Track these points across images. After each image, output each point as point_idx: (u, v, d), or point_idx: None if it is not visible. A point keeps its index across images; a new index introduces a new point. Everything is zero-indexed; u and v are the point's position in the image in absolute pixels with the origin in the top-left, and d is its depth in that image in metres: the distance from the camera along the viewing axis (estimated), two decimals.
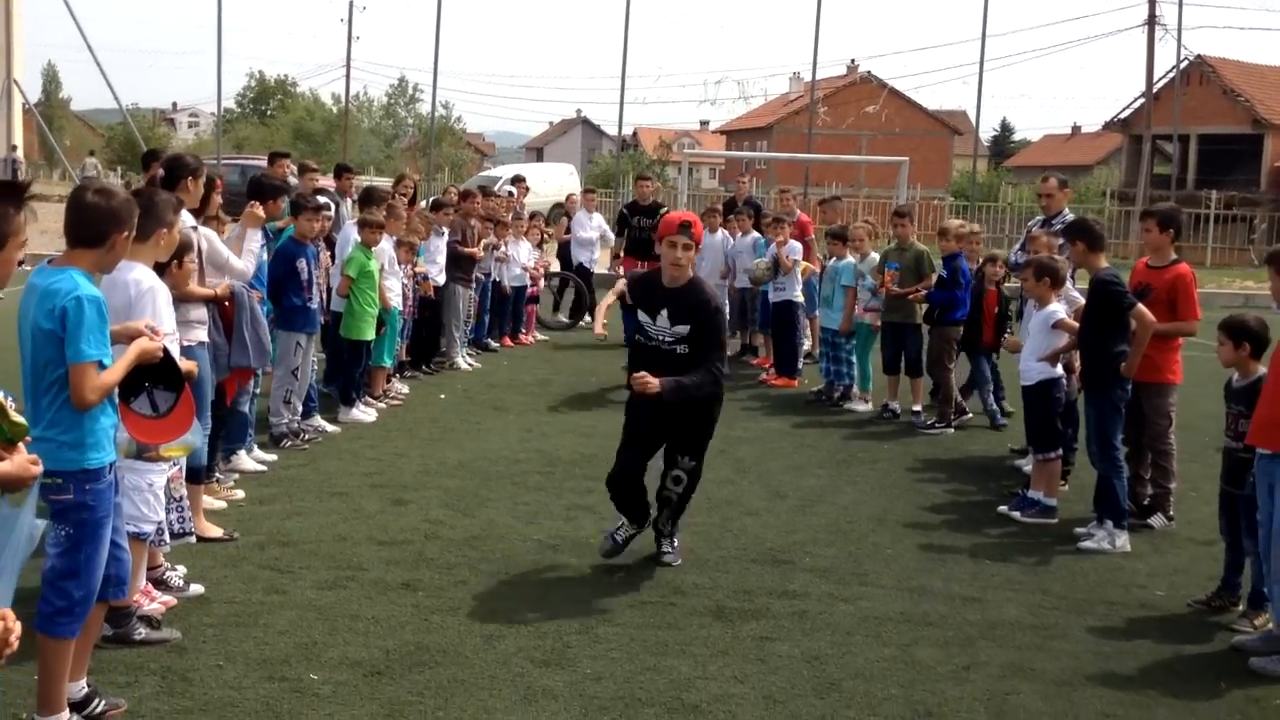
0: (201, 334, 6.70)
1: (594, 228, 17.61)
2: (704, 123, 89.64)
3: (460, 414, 11.05)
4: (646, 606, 6.22)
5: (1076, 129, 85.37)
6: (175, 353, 5.08)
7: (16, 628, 2.94)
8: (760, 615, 6.15)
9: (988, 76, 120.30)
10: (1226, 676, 5.58)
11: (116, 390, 4.49)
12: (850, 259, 12.26)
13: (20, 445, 3.56)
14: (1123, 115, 46.53)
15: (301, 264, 9.17)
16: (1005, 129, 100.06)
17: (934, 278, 11.22)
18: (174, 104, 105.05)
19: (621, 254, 15.95)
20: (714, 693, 5.18)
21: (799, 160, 34.35)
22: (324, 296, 9.81)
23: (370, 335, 10.45)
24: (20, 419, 3.58)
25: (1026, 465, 9.06)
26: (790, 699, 5.17)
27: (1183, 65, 36.42)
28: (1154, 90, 37.07)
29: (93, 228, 4.44)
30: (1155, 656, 5.80)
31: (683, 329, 6.51)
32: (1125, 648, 5.90)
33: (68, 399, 4.29)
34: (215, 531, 6.94)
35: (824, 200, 16.59)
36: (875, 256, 12.08)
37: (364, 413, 10.60)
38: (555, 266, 18.06)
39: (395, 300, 10.98)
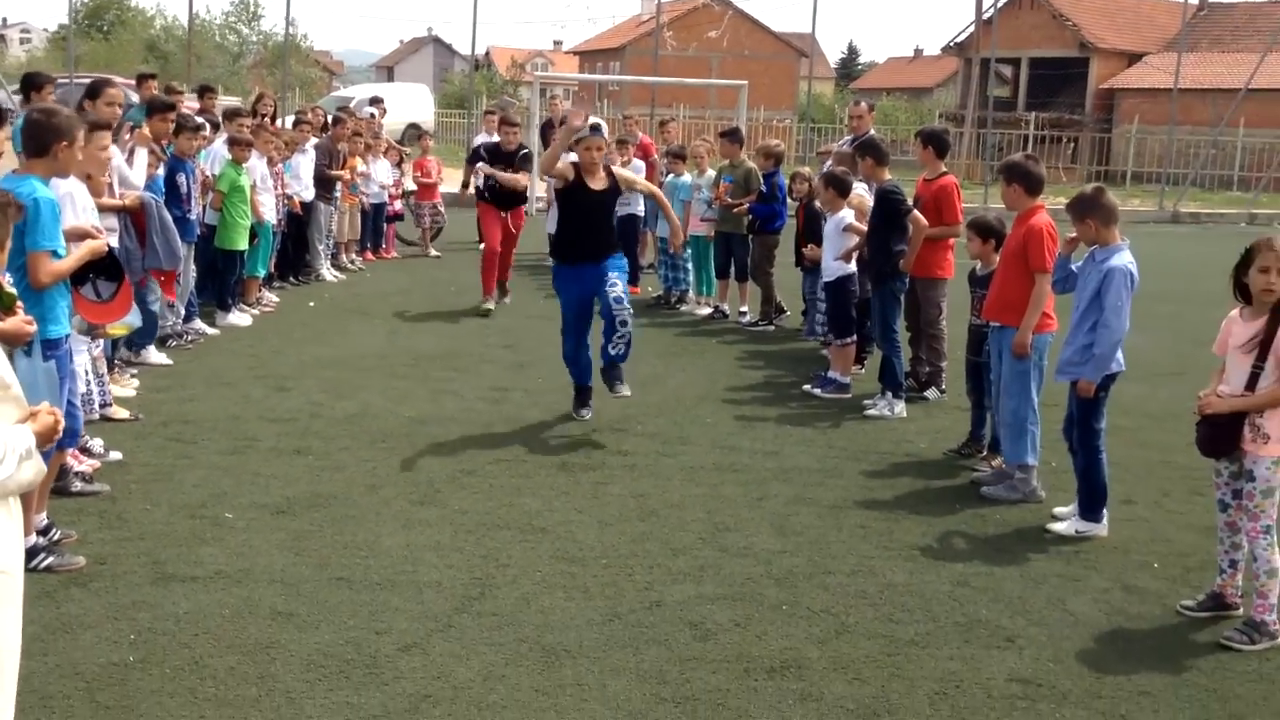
0: (113, 240, 7.65)
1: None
2: (557, 43, 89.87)
3: (329, 319, 12.07)
4: (503, 463, 7.46)
5: (919, 52, 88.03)
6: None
7: (61, 424, 4.03)
8: (597, 467, 7.45)
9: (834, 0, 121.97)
10: (962, 500, 7.07)
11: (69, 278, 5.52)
12: (687, 176, 13.53)
13: (18, 310, 4.61)
14: (959, 39, 48.59)
15: (181, 178, 10.04)
16: (852, 51, 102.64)
17: (757, 193, 12.55)
18: (3, 19, 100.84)
19: (475, 193, 13.37)
20: (558, 520, 6.46)
21: (646, 83, 35.43)
22: (201, 209, 10.67)
23: (243, 245, 11.37)
24: (12, 290, 4.63)
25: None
26: (618, 522, 6.48)
27: None
28: (986, 15, 38.97)
29: (39, 140, 5.43)
30: (910, 489, 7.27)
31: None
32: (887, 483, 7.36)
33: (29, 282, 5.32)
34: (123, 414, 7.94)
35: (663, 122, 17.98)
36: (712, 173, 13.37)
37: (240, 317, 11.55)
38: (410, 186, 18.83)
39: (268, 214, 11.89)
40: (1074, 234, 6.52)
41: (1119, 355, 6.33)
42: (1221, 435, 5.23)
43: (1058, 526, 6.50)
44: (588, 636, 5.04)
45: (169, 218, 8.63)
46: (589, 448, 7.85)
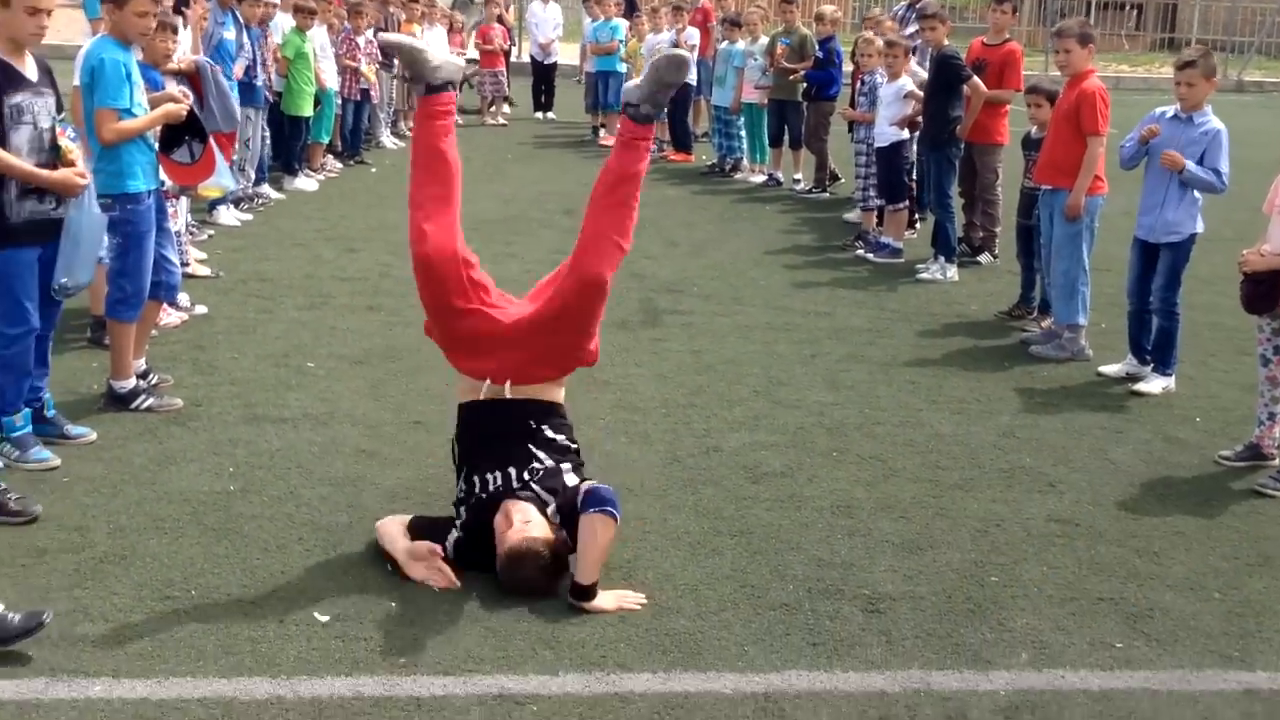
0: None
1: (551, 23, 18.06)
2: None
3: (391, 183, 12.30)
4: None
5: None
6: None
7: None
8: (655, 325, 7.75)
9: None
10: (1010, 358, 7.31)
11: (154, 134, 5.81)
12: (741, 43, 13.54)
13: (73, 162, 4.95)
14: None
15: (247, 46, 10.25)
16: None
17: (813, 59, 12.57)
18: None
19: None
20: (619, 373, 6.78)
21: None
22: (269, 76, 10.88)
23: (308, 111, 11.61)
24: (67, 143, 4.97)
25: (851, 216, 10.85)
26: (676, 375, 6.80)
27: None
28: None
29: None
30: (959, 348, 7.51)
31: None
32: (937, 343, 7.60)
33: None
34: (205, 271, 8.31)
35: None
36: (765, 40, 13.38)
37: (306, 182, 11.85)
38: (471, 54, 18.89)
39: (330, 81, 12.09)
40: (1154, 125, 6.53)
41: (1200, 216, 6.50)
42: (1262, 292, 5.43)
43: (1144, 386, 6.63)
44: (649, 477, 5.38)
45: (224, 81, 8.82)
46: (647, 308, 8.13)
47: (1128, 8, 37.71)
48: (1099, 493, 5.37)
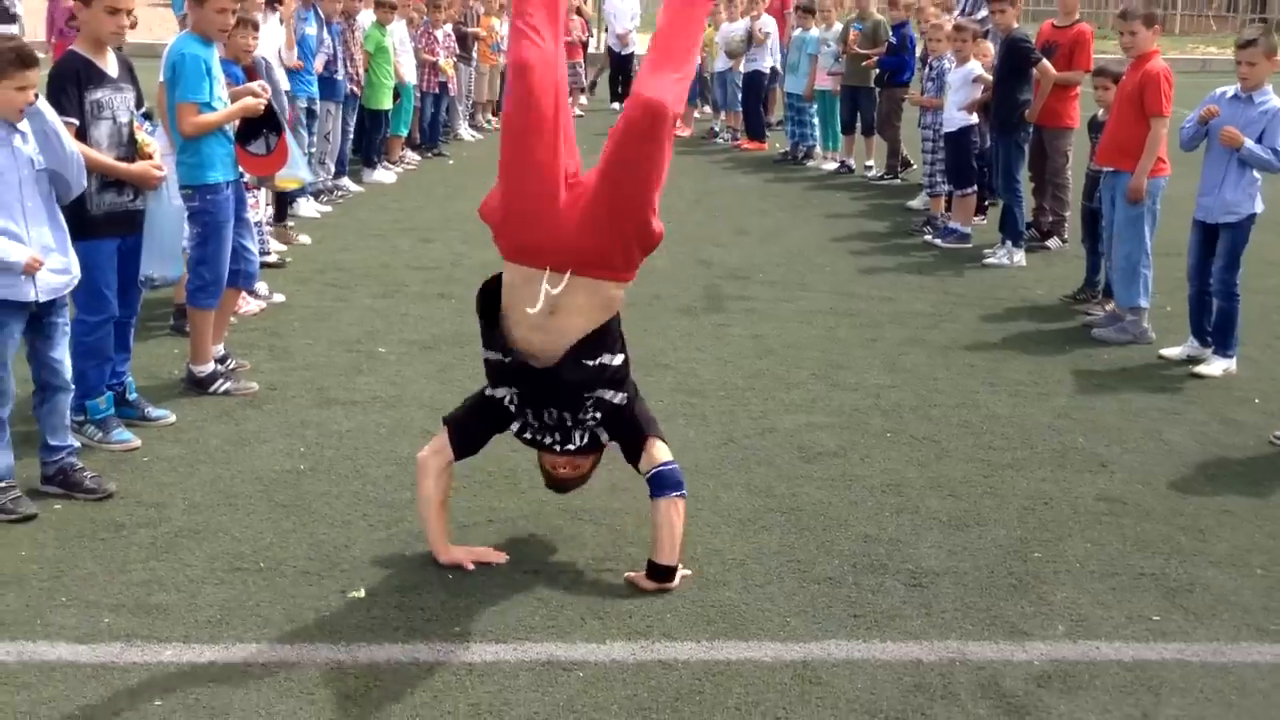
0: None
1: (629, 13, 18.16)
2: None
3: (469, 174, 12.59)
4: (631, 306, 7.78)
5: None
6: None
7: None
8: (719, 310, 7.88)
9: None
10: (1072, 342, 7.32)
11: (233, 127, 6.07)
12: (815, 31, 13.58)
13: (149, 155, 5.20)
14: None
15: (327, 41, 10.55)
16: None
17: (886, 45, 12.58)
18: None
19: None
20: (681, 357, 6.92)
21: None
22: (357, 71, 11.12)
23: (387, 104, 11.89)
24: (144, 137, 5.23)
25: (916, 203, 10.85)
26: (736, 359, 6.92)
27: None
28: None
29: None
30: (1020, 331, 7.53)
31: None
32: (999, 326, 7.63)
33: None
34: (274, 258, 8.58)
35: None
36: (839, 26, 13.41)
37: (384, 175, 12.15)
38: None
39: (409, 75, 12.36)
40: (1213, 105, 6.51)
41: (1259, 197, 6.48)
42: None
43: (1204, 369, 6.63)
44: (704, 457, 5.51)
45: (278, 78, 9.05)
46: (712, 294, 8.26)
47: None
48: (1150, 472, 5.39)
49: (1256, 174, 6.44)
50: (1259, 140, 6.32)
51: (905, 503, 5.07)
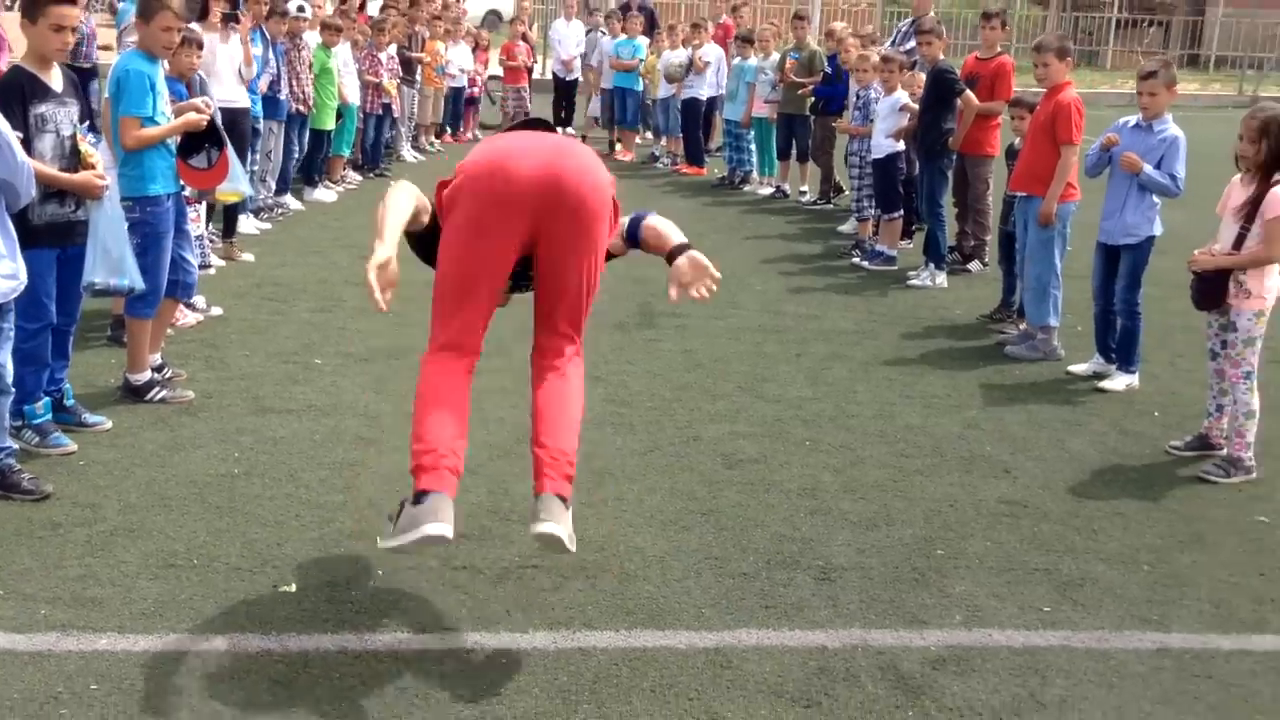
0: None
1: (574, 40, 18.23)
2: None
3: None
4: None
5: None
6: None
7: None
8: (650, 326, 8.12)
9: None
10: (986, 358, 7.63)
11: (175, 141, 6.23)
12: (753, 60, 13.92)
13: (92, 165, 5.35)
14: None
15: (272, 61, 10.70)
16: None
17: (821, 74, 12.92)
18: None
19: None
20: (612, 370, 7.13)
21: None
22: (303, 91, 11.27)
23: (329, 125, 12.05)
24: (88, 149, 5.39)
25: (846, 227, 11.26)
26: (666, 372, 7.15)
27: None
28: None
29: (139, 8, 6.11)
30: (938, 348, 7.83)
31: None
32: (919, 344, 7.92)
33: None
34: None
35: (735, 6, 18.24)
36: (776, 56, 13.76)
37: (325, 194, 12.30)
38: (494, 71, 19.25)
39: (352, 96, 12.54)
40: (1113, 134, 6.85)
41: (1158, 220, 6.80)
42: (1210, 290, 5.73)
43: (1108, 384, 6.95)
44: (629, 463, 5.73)
45: (211, 94, 9.15)
46: (644, 310, 8.49)
47: (1150, 24, 37.82)
48: (1050, 478, 5.68)
49: (1155, 199, 6.78)
50: (1158, 166, 6.66)
51: (819, 505, 5.31)
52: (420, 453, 3.92)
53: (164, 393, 6.26)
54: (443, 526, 3.77)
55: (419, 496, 3.86)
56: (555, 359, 4.27)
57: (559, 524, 3.90)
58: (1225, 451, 5.82)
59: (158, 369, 6.41)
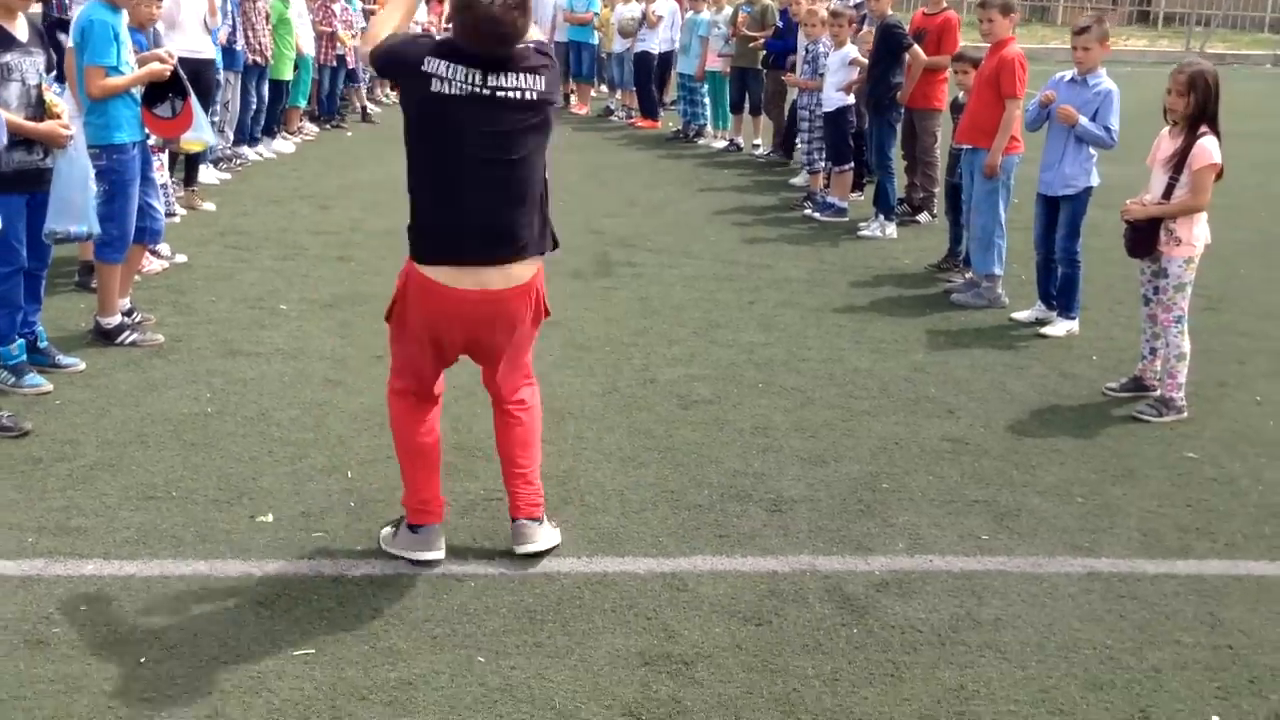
0: None
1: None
2: None
3: (366, 147, 12.88)
4: None
5: None
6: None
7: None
8: (607, 275, 8.32)
9: None
10: (933, 306, 7.89)
11: (139, 91, 6.34)
12: (706, 14, 14.07)
13: (57, 115, 5.46)
14: None
15: (229, 12, 10.73)
16: None
17: (773, 29, 13.10)
18: None
19: None
20: (570, 316, 7.33)
21: None
22: (259, 42, 11.29)
23: (287, 75, 12.11)
24: (52, 98, 5.49)
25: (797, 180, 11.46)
26: (623, 318, 7.37)
27: None
28: None
29: None
30: (887, 296, 8.10)
31: None
32: (868, 292, 8.18)
33: None
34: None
35: None
36: (729, 10, 13.92)
37: (283, 145, 12.36)
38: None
39: (307, 47, 12.58)
40: (1051, 91, 7.08)
41: (1095, 171, 7.07)
42: (1141, 238, 6.01)
43: (1049, 330, 7.22)
44: (588, 403, 5.95)
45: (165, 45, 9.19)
46: (601, 260, 8.69)
47: None
48: (991, 418, 5.96)
49: (1092, 150, 7.04)
50: (1093, 118, 6.92)
51: (771, 443, 5.56)
52: (415, 507, 4.42)
53: (135, 336, 6.40)
54: (436, 553, 4.41)
55: (415, 528, 4.42)
56: (511, 395, 4.58)
57: (538, 541, 4.48)
58: (1158, 392, 6.12)
59: (128, 313, 6.55)
